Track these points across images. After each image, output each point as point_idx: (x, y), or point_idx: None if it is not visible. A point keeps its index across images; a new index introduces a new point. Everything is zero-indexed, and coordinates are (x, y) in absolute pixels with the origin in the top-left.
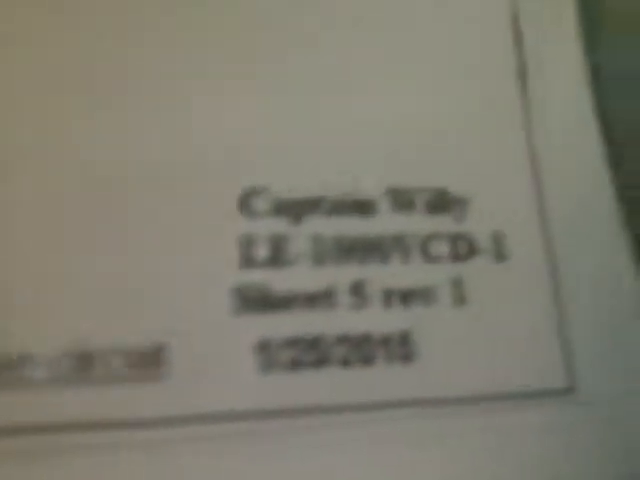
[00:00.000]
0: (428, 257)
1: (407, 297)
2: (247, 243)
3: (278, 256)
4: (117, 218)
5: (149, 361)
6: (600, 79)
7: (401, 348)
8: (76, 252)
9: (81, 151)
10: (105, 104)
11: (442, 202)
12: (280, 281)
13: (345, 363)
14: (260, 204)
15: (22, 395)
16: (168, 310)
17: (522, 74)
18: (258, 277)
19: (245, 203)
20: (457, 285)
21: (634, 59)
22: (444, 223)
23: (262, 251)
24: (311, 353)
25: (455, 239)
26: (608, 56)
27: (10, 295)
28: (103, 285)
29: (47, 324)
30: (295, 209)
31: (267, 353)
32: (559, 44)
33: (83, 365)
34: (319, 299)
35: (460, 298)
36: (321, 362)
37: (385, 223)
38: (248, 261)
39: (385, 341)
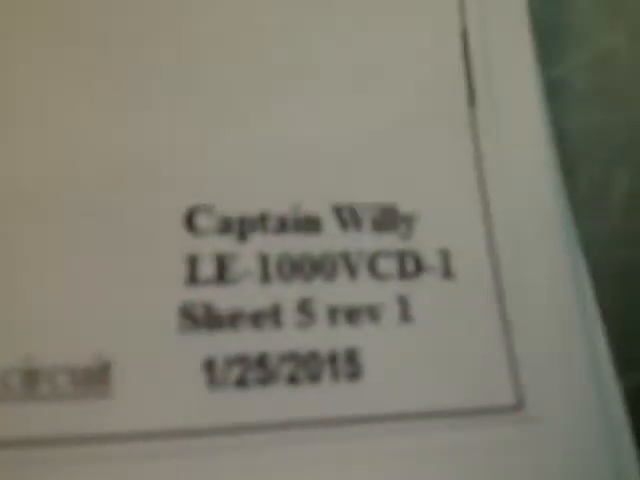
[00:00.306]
0: (375, 274)
1: (353, 314)
2: (192, 261)
3: (224, 274)
4: (59, 235)
5: (95, 378)
6: (559, 94)
7: (347, 365)
8: (21, 268)
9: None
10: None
11: (389, 219)
12: (226, 299)
13: (292, 380)
14: (205, 222)
15: None
16: (114, 327)
17: (471, 91)
18: (204, 295)
19: (190, 221)
20: (404, 302)
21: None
22: (391, 240)
23: (207, 269)
24: (258, 371)
25: (402, 256)
26: (568, 70)
27: None
28: (49, 302)
29: None
30: (240, 227)
31: (213, 371)
32: (511, 60)
33: (29, 381)
34: (265, 317)
35: (407, 315)
36: (268, 379)
37: (331, 240)
38: (194, 279)
39: (332, 358)
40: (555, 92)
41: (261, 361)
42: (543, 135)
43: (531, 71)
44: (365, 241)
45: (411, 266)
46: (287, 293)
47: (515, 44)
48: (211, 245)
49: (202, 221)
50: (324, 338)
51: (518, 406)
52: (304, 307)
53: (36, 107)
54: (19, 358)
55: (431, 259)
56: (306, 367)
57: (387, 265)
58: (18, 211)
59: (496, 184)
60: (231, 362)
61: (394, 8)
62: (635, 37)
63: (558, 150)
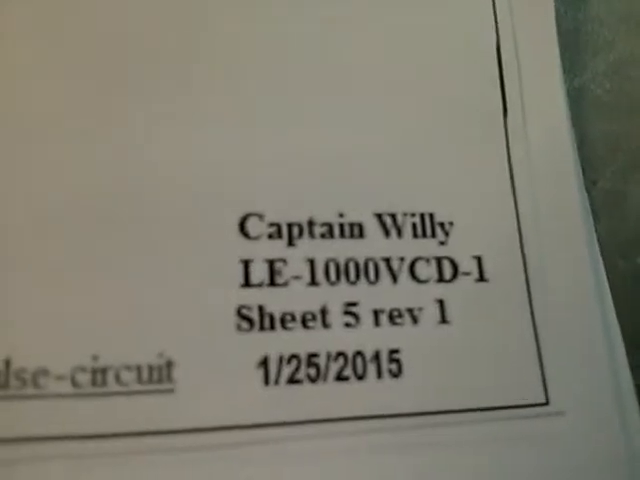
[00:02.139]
0: (415, 278)
1: (395, 317)
2: (246, 265)
3: (275, 277)
4: (126, 240)
5: (159, 376)
6: (582, 102)
7: (390, 364)
8: (91, 271)
9: (81, 176)
10: (102, 133)
11: (427, 226)
12: (277, 301)
13: (340, 378)
14: (256, 228)
15: (38, 407)
16: (176, 327)
17: (504, 106)
18: (257, 297)
19: (243, 228)
20: (441, 305)
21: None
22: (429, 246)
23: (260, 272)
24: (308, 369)
25: (439, 262)
26: (588, 79)
27: (27, 312)
28: (115, 303)
29: (63, 340)
30: (289, 233)
31: (268, 369)
32: (540, 71)
33: (97, 379)
34: (314, 318)
35: (444, 317)
36: (317, 377)
37: (374, 246)
38: (248, 282)
39: (376, 358)
40: (577, 100)
41: (311, 360)
42: (569, 143)
43: (558, 81)
44: (405, 247)
45: (448, 271)
46: (334, 296)
47: (544, 56)
48: (263, 250)
49: (254, 227)
50: (369, 338)
51: (545, 402)
52: (350, 309)
53: (95, 122)
54: (87, 357)
55: (466, 264)
56: (353, 366)
57: (426, 270)
58: (83, 217)
59: (525, 191)
60: (284, 361)
61: (430, 23)
62: None
63: (580, 156)
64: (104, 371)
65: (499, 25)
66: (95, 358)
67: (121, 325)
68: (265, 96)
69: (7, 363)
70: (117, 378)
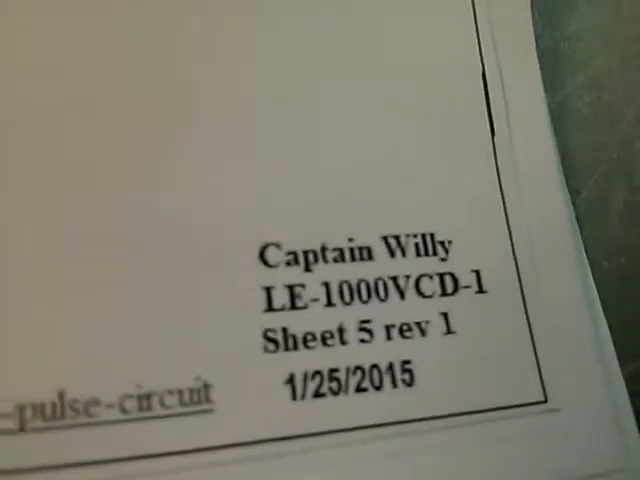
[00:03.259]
0: (420, 294)
1: (405, 330)
2: (268, 291)
3: (295, 301)
4: (160, 276)
5: (198, 398)
6: (563, 116)
7: (403, 374)
8: (133, 307)
9: (120, 218)
10: (134, 178)
11: (429, 245)
12: (299, 323)
13: (359, 390)
14: (275, 257)
15: (91, 434)
16: (210, 353)
17: (492, 127)
18: (280, 320)
19: (263, 257)
20: (446, 318)
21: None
22: (431, 264)
23: (281, 298)
24: (330, 383)
25: (442, 277)
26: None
27: (77, 347)
28: (155, 335)
29: (110, 371)
30: (305, 259)
31: (294, 385)
32: (522, 92)
33: (143, 405)
34: (333, 337)
35: (449, 329)
36: (339, 390)
37: (382, 267)
38: (271, 307)
39: (390, 369)
40: (558, 114)
41: (332, 375)
42: (554, 158)
43: (541, 100)
44: (410, 265)
45: (450, 285)
46: (349, 315)
47: (526, 77)
48: (282, 276)
49: (273, 256)
50: (383, 352)
51: (542, 401)
52: (364, 326)
53: (130, 170)
54: (133, 385)
55: (466, 278)
56: (370, 378)
57: (430, 285)
58: (123, 255)
59: (515, 207)
60: (308, 377)
61: (417, 54)
62: (626, 61)
63: (564, 167)
64: (149, 397)
65: (483, 51)
66: (140, 385)
67: (161, 353)
68: (274, 133)
69: (61, 395)
70: (161, 402)
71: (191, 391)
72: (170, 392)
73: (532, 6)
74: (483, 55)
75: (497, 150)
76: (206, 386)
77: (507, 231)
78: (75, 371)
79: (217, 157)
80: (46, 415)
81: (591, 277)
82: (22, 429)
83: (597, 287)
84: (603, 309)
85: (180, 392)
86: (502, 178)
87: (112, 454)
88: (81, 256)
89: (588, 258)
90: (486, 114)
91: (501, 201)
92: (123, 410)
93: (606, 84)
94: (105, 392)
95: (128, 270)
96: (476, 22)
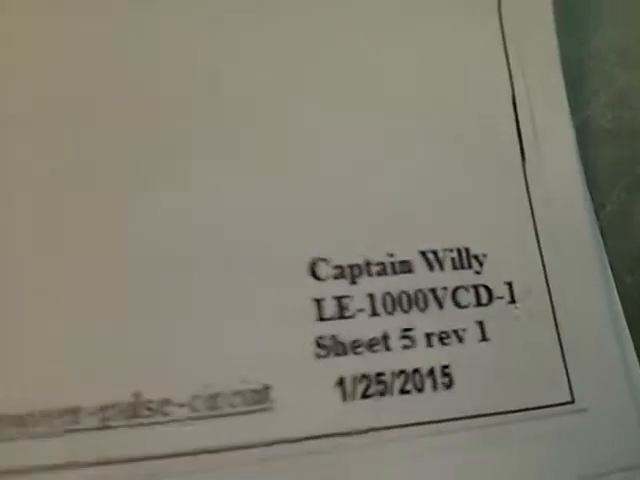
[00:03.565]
0: (457, 304)
1: (444, 338)
2: (319, 303)
3: (343, 311)
4: (225, 291)
5: (260, 398)
6: (588, 133)
7: (443, 378)
8: (200, 317)
9: (184, 231)
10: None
11: (464, 259)
12: (347, 331)
13: (403, 392)
14: (324, 271)
15: (164, 431)
16: (270, 359)
17: (522, 153)
18: (330, 329)
19: (313, 271)
20: (481, 326)
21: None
22: (467, 276)
23: (331, 308)
24: (377, 385)
25: (477, 289)
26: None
27: (151, 351)
28: (222, 343)
29: (181, 373)
30: (350, 273)
31: (344, 387)
32: (550, 114)
33: (210, 404)
34: (378, 343)
35: (484, 336)
36: (385, 392)
37: (421, 279)
38: (322, 316)
39: (430, 373)
40: (583, 131)
41: (378, 378)
42: (579, 178)
43: (567, 121)
44: (447, 278)
45: (484, 296)
46: (392, 324)
47: (552, 99)
48: (331, 289)
49: (322, 271)
50: (424, 358)
51: (570, 401)
52: (406, 334)
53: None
54: (201, 386)
55: (499, 290)
56: (413, 381)
57: (466, 296)
58: (191, 270)
59: (545, 224)
60: (356, 380)
61: (454, 79)
62: None
63: (588, 182)
64: (216, 397)
65: (512, 77)
66: (208, 386)
67: (227, 358)
68: (321, 160)
69: (137, 396)
70: (227, 402)
71: (253, 392)
72: (235, 393)
73: (556, 27)
74: (513, 80)
75: (527, 172)
76: (266, 387)
77: (537, 246)
78: (150, 375)
79: (269, 182)
80: (125, 414)
81: (614, 288)
82: (104, 426)
83: (620, 299)
84: (625, 319)
85: (244, 393)
86: (532, 197)
87: (183, 448)
88: (145, 277)
89: (612, 271)
90: (516, 138)
91: (531, 219)
92: (193, 409)
93: (628, 101)
94: (176, 393)
95: (196, 286)
96: (505, 48)
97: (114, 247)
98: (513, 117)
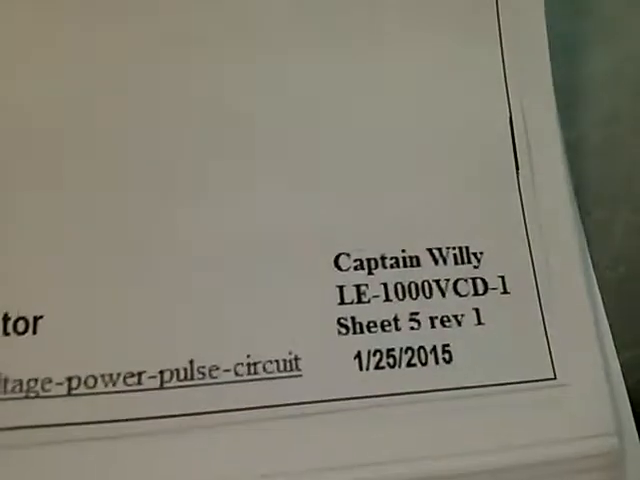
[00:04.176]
0: (457, 294)
1: (445, 321)
2: (341, 289)
3: (360, 297)
4: (264, 279)
5: (291, 366)
6: (577, 149)
7: (444, 354)
8: (246, 300)
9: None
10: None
11: (464, 256)
12: (364, 314)
13: (410, 365)
14: (346, 263)
15: (213, 391)
16: (300, 334)
17: (516, 163)
18: (350, 311)
19: (337, 263)
20: (477, 312)
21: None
22: (466, 270)
23: (351, 294)
24: (389, 359)
25: (474, 281)
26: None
27: (206, 323)
28: (263, 320)
29: (228, 343)
30: (368, 265)
31: (361, 360)
32: (544, 135)
33: (251, 370)
34: (390, 325)
35: (479, 321)
36: (395, 364)
37: (427, 272)
38: (343, 301)
39: (433, 350)
40: (573, 148)
41: (389, 353)
42: (567, 186)
43: (557, 137)
44: (449, 271)
45: (481, 287)
46: (402, 308)
47: (545, 118)
48: (351, 278)
49: (344, 263)
50: (428, 337)
51: (553, 377)
52: (413, 317)
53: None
54: (244, 355)
55: (494, 282)
56: (418, 356)
57: (465, 287)
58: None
59: (534, 227)
60: (371, 354)
61: (457, 100)
62: (635, 97)
63: (577, 193)
64: (255, 364)
65: (510, 99)
66: (249, 356)
67: (265, 334)
68: (346, 174)
69: (191, 362)
70: (264, 369)
71: (285, 361)
72: (271, 361)
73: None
74: (510, 102)
75: (520, 181)
76: (296, 358)
77: (527, 245)
78: (202, 346)
79: (304, 187)
80: (180, 377)
81: (595, 282)
82: (162, 387)
83: (600, 290)
84: (605, 309)
85: (277, 361)
86: (524, 203)
87: (229, 406)
88: (211, 259)
89: (594, 267)
90: (512, 152)
91: (523, 222)
92: (237, 373)
93: (614, 121)
94: (223, 361)
95: (244, 275)
96: (505, 73)
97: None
98: (509, 133)
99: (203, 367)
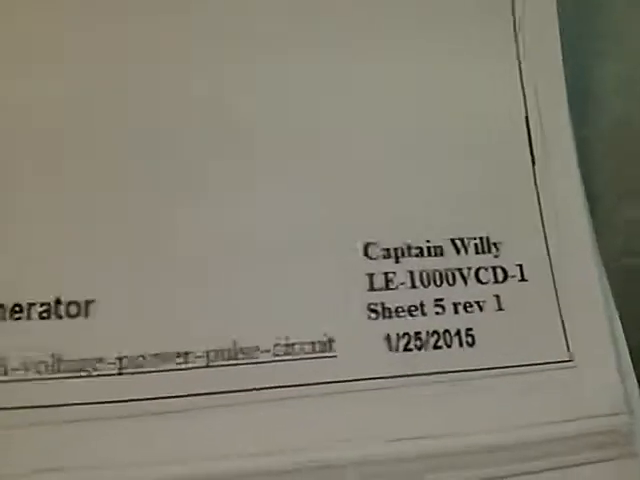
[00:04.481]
0: (479, 281)
1: (468, 307)
2: (370, 277)
3: (388, 284)
4: (299, 270)
5: (325, 348)
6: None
7: (467, 338)
8: (287, 287)
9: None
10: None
11: (485, 246)
12: (392, 299)
13: (436, 347)
14: (375, 252)
15: (254, 369)
16: (334, 319)
17: (533, 158)
18: (379, 297)
19: (367, 252)
20: (497, 298)
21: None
22: (487, 259)
23: (379, 281)
24: (416, 341)
25: (494, 269)
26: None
27: (248, 305)
28: (300, 305)
29: (267, 328)
30: (395, 254)
31: (390, 342)
32: (557, 133)
33: (288, 351)
34: (416, 309)
35: (500, 306)
36: (422, 347)
37: (451, 261)
38: (372, 287)
39: (457, 334)
40: (584, 145)
41: (417, 336)
42: (578, 179)
43: (569, 135)
44: (471, 260)
45: (500, 275)
46: (427, 295)
47: (558, 119)
48: (380, 266)
49: (373, 252)
50: (452, 322)
51: (569, 360)
52: (438, 303)
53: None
54: (283, 338)
55: (512, 270)
56: (444, 339)
57: (486, 275)
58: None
59: (549, 218)
60: (399, 337)
61: (473, 101)
62: None
63: (586, 187)
64: (293, 345)
65: (526, 99)
66: (287, 337)
67: (303, 318)
68: (376, 171)
69: (234, 343)
70: (302, 349)
71: (320, 342)
72: (307, 343)
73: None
74: (527, 102)
75: (537, 175)
76: (330, 340)
77: (543, 235)
78: (244, 328)
79: (339, 183)
80: (224, 357)
81: (604, 271)
82: (208, 366)
83: (608, 278)
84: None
85: (313, 343)
86: (540, 196)
87: (268, 384)
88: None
89: (602, 257)
90: (528, 148)
91: (539, 214)
92: (275, 354)
93: (625, 124)
94: (263, 342)
95: (286, 264)
96: (521, 75)
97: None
98: (526, 132)
99: (245, 348)
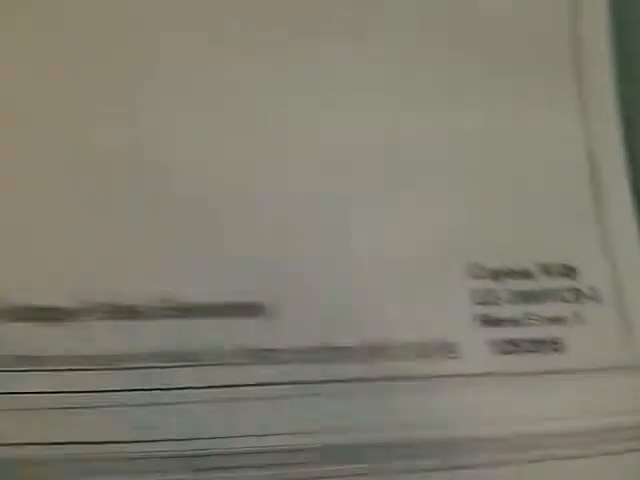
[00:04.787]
0: (562, 300)
1: (554, 321)
2: (474, 292)
3: (489, 299)
4: (415, 287)
5: (447, 350)
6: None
7: (556, 345)
8: (411, 302)
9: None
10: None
11: (564, 270)
12: (495, 311)
13: (530, 352)
14: (478, 272)
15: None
16: (451, 326)
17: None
18: (482, 309)
19: (471, 271)
20: (578, 315)
21: None
22: (567, 282)
23: (482, 296)
24: (514, 347)
25: (573, 290)
26: None
27: (339, 307)
28: (419, 319)
29: (360, 331)
30: (492, 275)
31: (494, 347)
32: (611, 159)
33: (420, 351)
34: (515, 322)
35: (580, 320)
36: (519, 352)
37: (539, 283)
38: (476, 301)
39: (549, 342)
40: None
41: (514, 342)
42: (630, 209)
43: (622, 166)
44: (557, 282)
45: (579, 296)
46: (522, 310)
47: (614, 155)
48: (483, 284)
49: (477, 272)
50: (544, 332)
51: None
52: (532, 317)
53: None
54: (413, 339)
55: (588, 292)
56: (538, 346)
57: (567, 295)
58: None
59: (617, 247)
60: (503, 342)
61: (533, 136)
62: None
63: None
64: (424, 345)
65: (592, 134)
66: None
67: (427, 326)
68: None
69: (364, 341)
70: (432, 350)
71: (447, 344)
72: (435, 344)
73: None
74: (592, 137)
75: (602, 209)
76: (454, 343)
77: (612, 262)
78: (336, 325)
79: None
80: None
81: None
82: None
83: None
84: None
85: (440, 345)
86: (607, 228)
87: (401, 374)
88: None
89: None
90: (591, 184)
91: (607, 242)
92: (406, 354)
93: None
94: (394, 342)
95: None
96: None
97: None
98: (588, 169)
99: (380, 347)
